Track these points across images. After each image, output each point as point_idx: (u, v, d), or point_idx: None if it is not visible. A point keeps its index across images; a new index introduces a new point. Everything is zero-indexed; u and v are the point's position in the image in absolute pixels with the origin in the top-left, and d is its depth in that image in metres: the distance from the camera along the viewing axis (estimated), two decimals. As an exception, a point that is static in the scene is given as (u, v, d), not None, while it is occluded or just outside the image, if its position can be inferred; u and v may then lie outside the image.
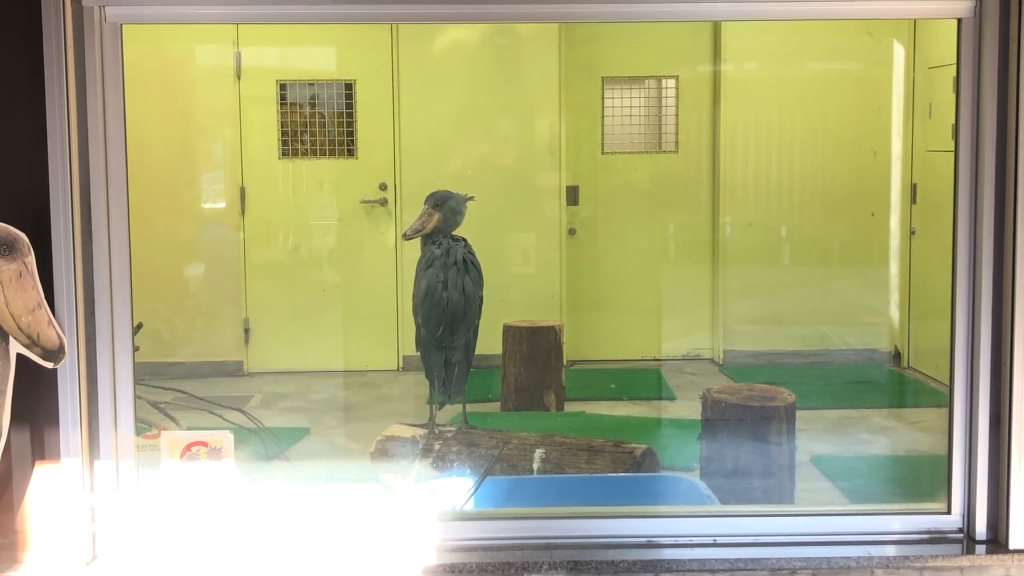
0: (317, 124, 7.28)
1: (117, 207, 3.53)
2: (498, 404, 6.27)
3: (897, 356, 7.28)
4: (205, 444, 3.69)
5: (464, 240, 5.10)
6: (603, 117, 7.47)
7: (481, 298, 5.14)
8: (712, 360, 7.49)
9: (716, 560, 3.49)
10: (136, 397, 3.63)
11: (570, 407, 6.35)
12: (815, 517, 3.81)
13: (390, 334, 7.09)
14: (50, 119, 3.36)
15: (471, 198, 5.14)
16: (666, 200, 7.58)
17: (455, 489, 4.60)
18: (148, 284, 4.31)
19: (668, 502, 4.48)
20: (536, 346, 6.19)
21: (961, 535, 3.67)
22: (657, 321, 7.43)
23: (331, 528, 3.69)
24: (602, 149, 7.50)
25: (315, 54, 7.40)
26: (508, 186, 7.29)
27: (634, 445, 4.86)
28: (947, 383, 3.72)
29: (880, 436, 5.98)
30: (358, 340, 7.15)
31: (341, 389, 6.92)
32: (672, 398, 6.77)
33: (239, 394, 6.59)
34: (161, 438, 3.69)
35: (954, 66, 3.64)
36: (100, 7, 3.47)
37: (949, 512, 3.69)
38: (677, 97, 7.51)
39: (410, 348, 5.43)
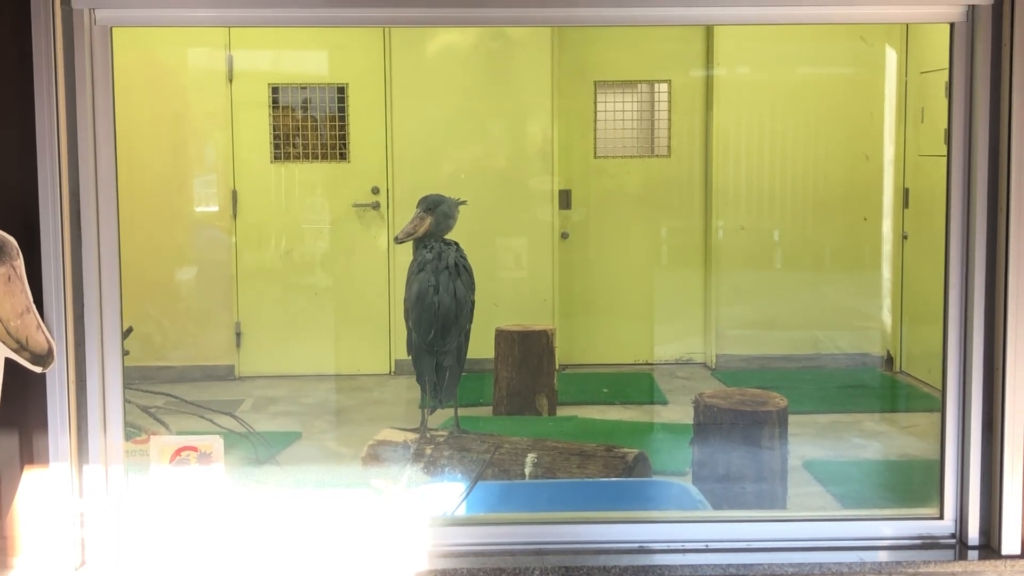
0: (309, 128, 7.26)
1: (107, 210, 3.51)
2: (490, 408, 6.26)
3: (889, 360, 7.28)
4: (195, 449, 3.68)
5: (456, 244, 5.10)
6: (595, 121, 7.47)
7: (473, 302, 5.13)
8: (704, 364, 7.49)
9: (708, 566, 3.48)
10: (126, 401, 3.61)
11: (562, 411, 6.34)
12: (807, 522, 3.80)
13: (382, 338, 7.08)
14: (39, 122, 3.34)
15: (463, 202, 5.14)
16: (659, 204, 7.58)
17: (446, 494, 4.58)
18: (138, 288, 4.29)
19: (660, 507, 4.47)
20: (528, 350, 6.18)
21: (953, 540, 3.67)
22: (649, 325, 7.42)
23: (322, 533, 3.68)
24: (595, 153, 7.49)
25: (307, 58, 7.39)
26: (500, 190, 7.28)
27: (626, 450, 4.85)
28: (939, 387, 3.72)
29: (872, 441, 5.98)
30: (350, 344, 7.13)
31: (332, 393, 6.90)
32: (664, 402, 6.76)
33: (230, 398, 6.56)
34: (151, 443, 3.68)
35: (946, 71, 3.64)
36: (90, 9, 3.45)
37: (941, 517, 3.69)
38: (670, 101, 7.50)
39: (402, 352, 5.42)
